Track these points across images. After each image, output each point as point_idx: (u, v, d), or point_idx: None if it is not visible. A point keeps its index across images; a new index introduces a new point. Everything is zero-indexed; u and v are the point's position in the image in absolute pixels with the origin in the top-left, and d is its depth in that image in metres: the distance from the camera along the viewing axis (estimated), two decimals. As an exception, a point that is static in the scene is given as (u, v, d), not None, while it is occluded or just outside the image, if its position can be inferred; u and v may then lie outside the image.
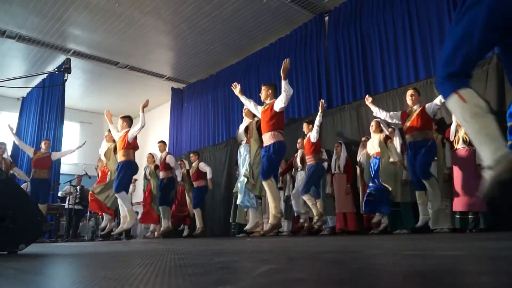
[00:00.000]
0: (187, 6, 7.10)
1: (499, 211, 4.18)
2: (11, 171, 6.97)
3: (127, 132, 5.73)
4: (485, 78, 4.70)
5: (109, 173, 6.18)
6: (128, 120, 5.92)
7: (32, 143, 9.47)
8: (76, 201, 8.29)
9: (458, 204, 4.27)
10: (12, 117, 10.61)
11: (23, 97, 10.60)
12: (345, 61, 6.82)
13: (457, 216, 4.35)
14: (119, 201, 5.61)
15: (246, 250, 1.89)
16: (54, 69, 3.45)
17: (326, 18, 7.40)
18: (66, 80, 3.00)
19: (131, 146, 5.67)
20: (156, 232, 7.47)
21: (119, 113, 13.41)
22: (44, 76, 9.38)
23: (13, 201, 2.18)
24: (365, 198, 5.02)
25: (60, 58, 8.77)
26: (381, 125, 5.16)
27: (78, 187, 8.24)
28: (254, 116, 5.11)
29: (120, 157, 5.68)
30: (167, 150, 7.60)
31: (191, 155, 7.72)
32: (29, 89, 9.97)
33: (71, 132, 11.86)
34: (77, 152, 12.06)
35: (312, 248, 1.93)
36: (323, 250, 1.75)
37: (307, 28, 7.63)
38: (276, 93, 4.67)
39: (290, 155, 6.74)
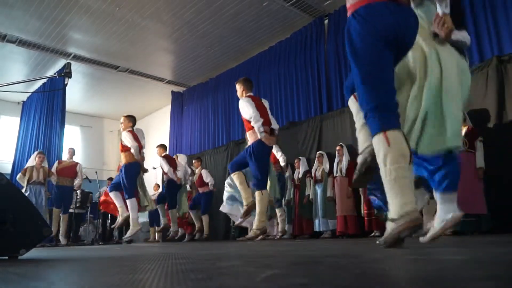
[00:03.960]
0: (187, 10, 7.12)
1: (500, 214, 4.18)
2: (48, 179, 7.09)
3: (125, 132, 5.65)
4: (485, 80, 4.71)
5: None
6: (131, 119, 5.77)
7: (32, 147, 9.47)
8: (77, 205, 8.29)
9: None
10: (12, 122, 10.63)
11: (23, 101, 10.61)
12: (345, 64, 6.83)
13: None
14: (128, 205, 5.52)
15: (247, 255, 1.89)
16: (55, 74, 3.45)
17: (326, 21, 7.43)
18: (67, 84, 2.99)
19: (127, 148, 5.59)
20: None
21: (119, 116, 13.43)
22: (45, 80, 9.39)
23: (14, 205, 2.17)
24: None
25: (61, 62, 8.79)
26: None
27: (78, 191, 8.24)
28: None
29: (122, 159, 5.67)
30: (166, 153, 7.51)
31: (193, 161, 7.72)
32: (30, 93, 9.98)
33: (72, 136, 11.86)
34: (78, 156, 12.13)
35: (314, 252, 1.93)
36: (325, 254, 1.74)
37: (307, 31, 7.66)
38: (249, 87, 4.43)
39: (292, 159, 6.74)
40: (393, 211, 1.63)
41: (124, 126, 5.75)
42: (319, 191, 6.10)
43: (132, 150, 5.53)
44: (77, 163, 7.51)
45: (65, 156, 8.06)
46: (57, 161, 7.46)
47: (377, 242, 1.86)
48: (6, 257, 2.10)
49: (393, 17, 1.79)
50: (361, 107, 1.82)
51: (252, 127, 4.13)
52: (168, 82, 10.43)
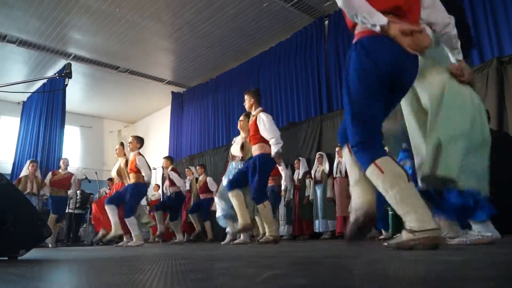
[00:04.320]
0: (187, 10, 7.13)
1: (500, 214, 4.18)
2: (42, 191, 6.87)
3: (137, 154, 5.58)
4: (485, 81, 4.71)
5: None
6: (140, 140, 5.74)
7: (33, 147, 9.48)
8: (76, 205, 8.29)
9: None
10: (12, 122, 10.64)
11: (23, 102, 10.62)
12: (345, 65, 6.83)
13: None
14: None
15: (247, 255, 1.89)
16: (55, 74, 3.45)
17: (326, 22, 7.43)
18: (67, 85, 2.99)
19: (139, 170, 5.52)
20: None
21: (119, 117, 13.49)
22: (45, 80, 9.40)
23: (14, 206, 2.17)
24: None
25: (61, 63, 8.79)
26: None
27: (78, 192, 8.24)
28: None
29: (130, 179, 5.57)
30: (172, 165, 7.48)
31: (197, 167, 7.69)
32: (30, 94, 9.98)
33: (71, 137, 11.86)
34: (77, 156, 12.10)
35: (314, 253, 1.93)
36: (325, 254, 1.74)
37: (307, 32, 7.66)
38: (259, 100, 4.38)
39: (291, 159, 6.73)
40: (410, 224, 1.61)
41: (132, 146, 5.64)
42: (319, 191, 6.09)
43: (146, 179, 5.51)
44: (72, 174, 7.28)
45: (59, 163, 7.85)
46: (51, 172, 7.21)
47: (385, 244, 1.86)
48: (6, 258, 2.10)
49: (396, 56, 1.75)
50: (349, 138, 1.84)
51: (260, 142, 4.07)
52: (168, 82, 10.43)
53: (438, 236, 1.57)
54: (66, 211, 8.19)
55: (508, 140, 4.40)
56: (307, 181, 6.41)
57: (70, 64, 3.07)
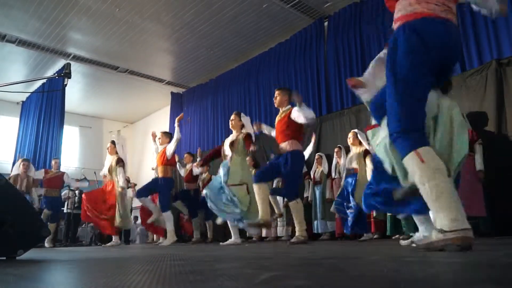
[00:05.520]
0: (187, 11, 7.13)
1: (498, 216, 4.18)
2: (33, 191, 6.74)
3: (166, 147, 5.84)
4: (484, 83, 4.72)
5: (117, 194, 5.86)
6: (169, 135, 6.04)
7: (31, 148, 9.45)
8: (75, 205, 8.27)
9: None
10: (12, 122, 10.62)
11: (22, 101, 10.60)
12: (344, 66, 6.84)
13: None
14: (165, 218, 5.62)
15: (246, 256, 1.89)
16: (54, 74, 3.45)
17: (326, 23, 7.43)
18: (66, 85, 2.99)
19: (170, 162, 5.81)
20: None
21: (119, 117, 13.44)
22: (44, 80, 9.38)
23: (12, 206, 2.17)
24: (350, 219, 4.92)
25: (60, 63, 8.78)
26: (359, 136, 5.05)
27: (76, 192, 8.22)
28: (242, 127, 4.76)
29: (158, 173, 5.86)
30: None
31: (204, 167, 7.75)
32: (29, 94, 9.96)
33: (70, 137, 11.85)
34: (76, 156, 12.06)
35: (313, 254, 1.93)
36: (324, 256, 1.74)
37: (306, 33, 7.66)
38: (291, 100, 4.33)
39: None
40: (441, 223, 1.54)
41: (161, 142, 5.97)
42: (317, 192, 6.09)
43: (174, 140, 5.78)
44: (64, 173, 7.29)
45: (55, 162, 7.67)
46: (43, 170, 7.20)
47: (413, 244, 1.79)
48: (4, 258, 2.10)
49: (449, 39, 1.69)
50: (389, 125, 1.72)
51: (291, 138, 4.04)
52: (168, 83, 10.42)
53: (469, 236, 1.51)
54: (65, 211, 8.19)
55: (506, 142, 4.41)
56: (306, 182, 6.40)
57: (70, 64, 3.07)
